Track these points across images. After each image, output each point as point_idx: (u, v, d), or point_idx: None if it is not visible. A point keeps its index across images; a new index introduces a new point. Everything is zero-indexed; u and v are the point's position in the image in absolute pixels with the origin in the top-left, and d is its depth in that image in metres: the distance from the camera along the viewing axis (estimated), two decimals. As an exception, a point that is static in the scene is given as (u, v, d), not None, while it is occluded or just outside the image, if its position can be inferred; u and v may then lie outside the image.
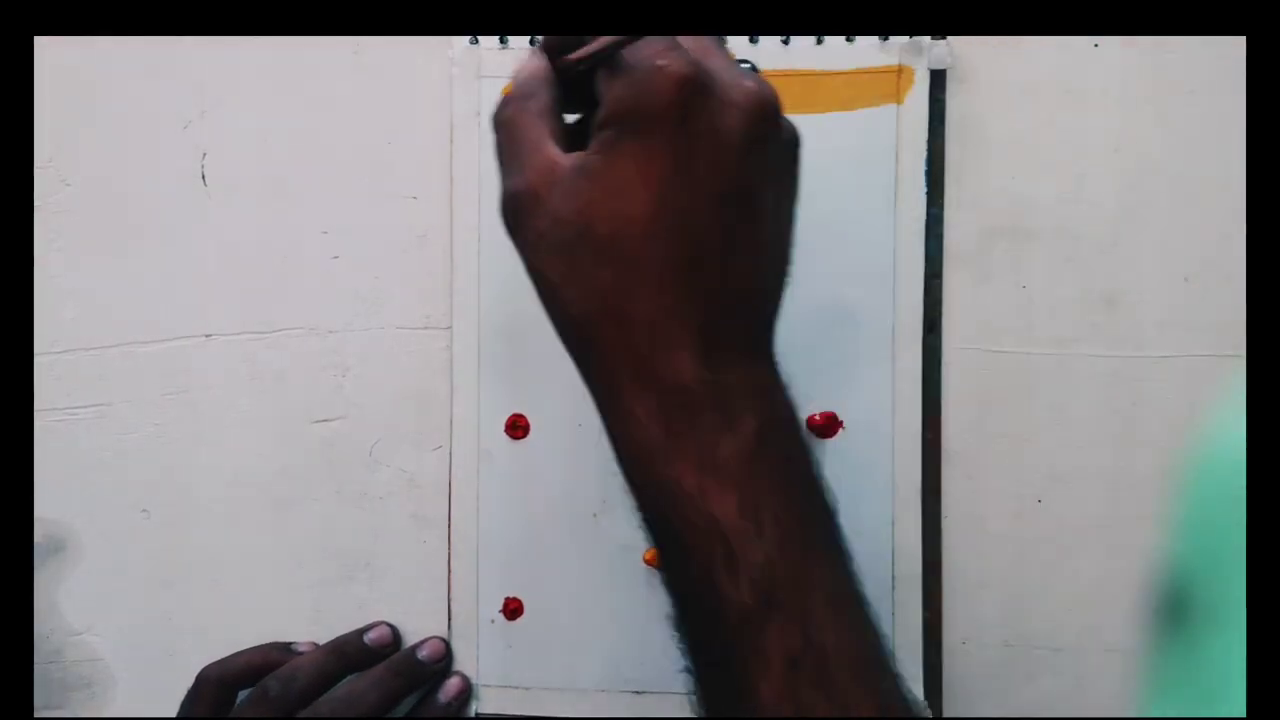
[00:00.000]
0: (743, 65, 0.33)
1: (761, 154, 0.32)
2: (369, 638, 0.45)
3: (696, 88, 0.31)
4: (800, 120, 0.43)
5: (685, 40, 0.32)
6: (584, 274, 0.32)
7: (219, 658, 0.45)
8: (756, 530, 0.30)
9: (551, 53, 0.35)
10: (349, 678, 0.44)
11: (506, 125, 0.34)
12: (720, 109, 0.31)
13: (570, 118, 0.35)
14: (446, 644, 0.45)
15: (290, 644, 0.45)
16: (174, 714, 0.45)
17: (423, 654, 0.44)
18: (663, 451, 0.31)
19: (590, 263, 0.31)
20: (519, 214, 0.33)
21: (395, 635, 0.45)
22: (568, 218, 0.31)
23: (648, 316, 0.31)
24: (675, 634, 0.33)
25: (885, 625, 0.43)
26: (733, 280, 0.32)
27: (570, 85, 0.34)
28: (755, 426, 0.31)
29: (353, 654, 0.44)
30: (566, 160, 0.32)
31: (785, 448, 0.32)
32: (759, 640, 0.30)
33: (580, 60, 0.33)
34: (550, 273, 0.32)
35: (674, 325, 0.31)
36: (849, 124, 0.43)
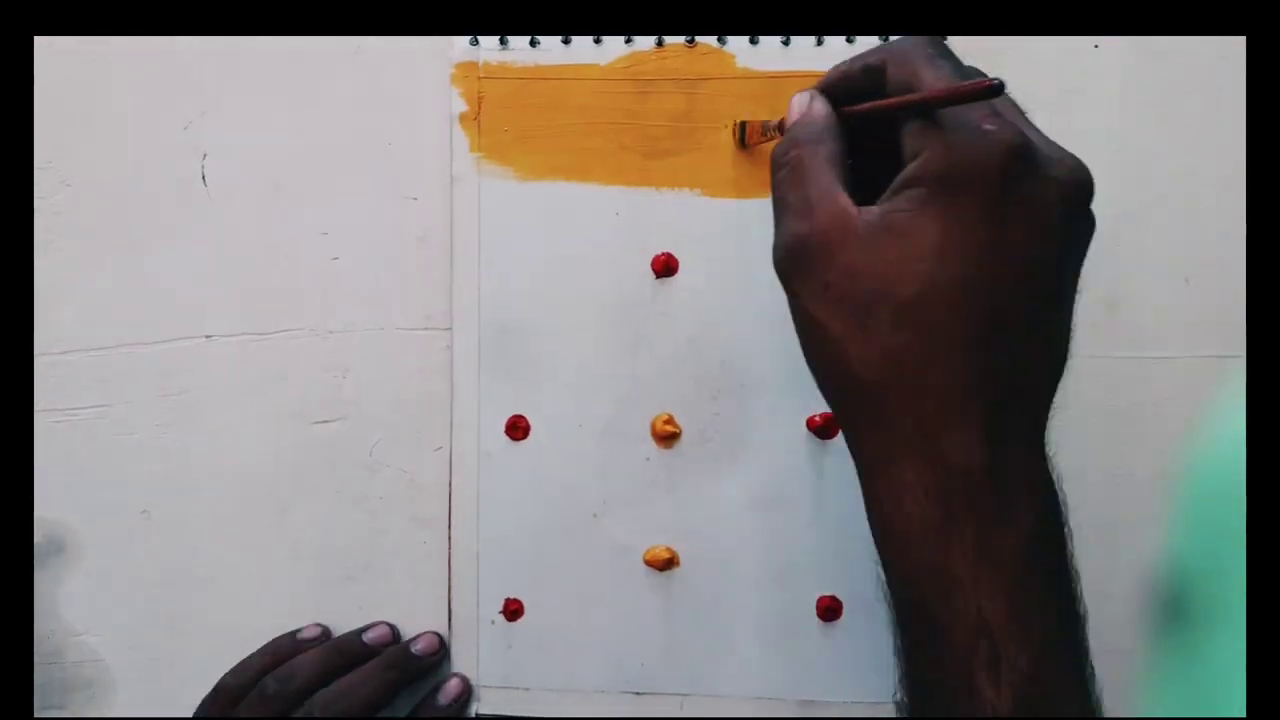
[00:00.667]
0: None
1: (1075, 234, 0.31)
2: (368, 637, 0.45)
3: (1023, 158, 0.29)
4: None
5: (1002, 106, 0.31)
6: (878, 334, 0.30)
7: (221, 659, 0.45)
8: (1025, 635, 0.29)
9: (835, 97, 0.34)
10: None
11: (794, 166, 0.33)
12: (1042, 182, 0.30)
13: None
14: (441, 639, 0.45)
15: (296, 631, 0.45)
16: (173, 714, 0.45)
17: (417, 648, 0.44)
18: (938, 533, 0.30)
19: (888, 324, 0.30)
20: (804, 260, 0.31)
21: (395, 635, 0.45)
22: (865, 272, 0.30)
23: (942, 386, 0.30)
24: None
25: (885, 625, 0.43)
26: (1029, 360, 0.31)
27: (856, 133, 0.33)
28: (1032, 522, 0.30)
29: (352, 652, 0.44)
30: (863, 212, 0.31)
31: (1057, 549, 0.31)
32: None
33: (876, 110, 0.32)
34: (834, 327, 0.31)
35: (968, 400, 0.30)
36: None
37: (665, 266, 0.44)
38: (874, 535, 0.32)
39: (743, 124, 0.43)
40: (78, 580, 0.46)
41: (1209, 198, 0.43)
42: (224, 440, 0.46)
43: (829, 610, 0.44)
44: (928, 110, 0.31)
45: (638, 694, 0.45)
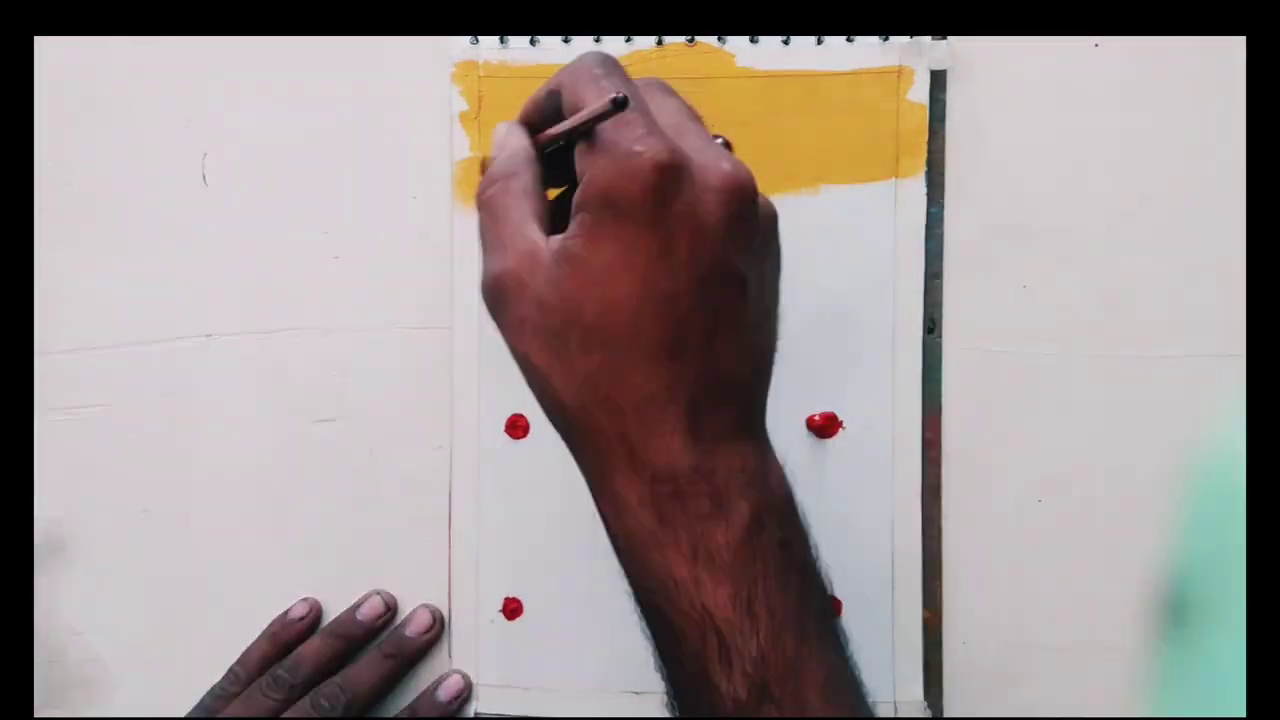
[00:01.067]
0: (716, 140, 0.33)
1: (740, 235, 0.31)
2: (360, 614, 0.45)
3: (673, 173, 0.30)
4: (801, 119, 0.43)
5: (663, 116, 0.32)
6: (571, 360, 0.31)
7: (221, 658, 0.45)
8: (750, 622, 0.30)
9: (531, 126, 0.35)
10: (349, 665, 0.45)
11: (489, 206, 0.34)
12: (698, 193, 0.31)
13: (554, 191, 0.35)
14: (432, 612, 0.45)
15: (285, 613, 0.45)
16: (173, 714, 0.45)
17: (409, 630, 0.45)
18: (655, 540, 0.31)
19: (578, 348, 0.31)
20: (501, 297, 0.33)
21: (388, 603, 0.45)
22: (553, 304, 0.31)
23: (636, 401, 0.31)
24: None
25: (885, 625, 0.43)
26: (720, 362, 0.31)
27: (551, 160, 0.34)
28: (748, 513, 0.31)
29: (351, 634, 0.45)
30: (550, 243, 0.32)
31: (780, 533, 0.32)
32: None
33: (556, 138, 0.33)
34: (537, 359, 0.32)
35: (663, 409, 0.31)
36: (849, 124, 0.43)
37: (665, 266, 0.44)
38: (613, 551, 0.33)
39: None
40: (78, 579, 0.46)
41: (1209, 198, 0.43)
42: (224, 440, 0.46)
43: (829, 610, 0.44)
44: (587, 134, 0.31)
45: (637, 693, 0.45)
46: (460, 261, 0.44)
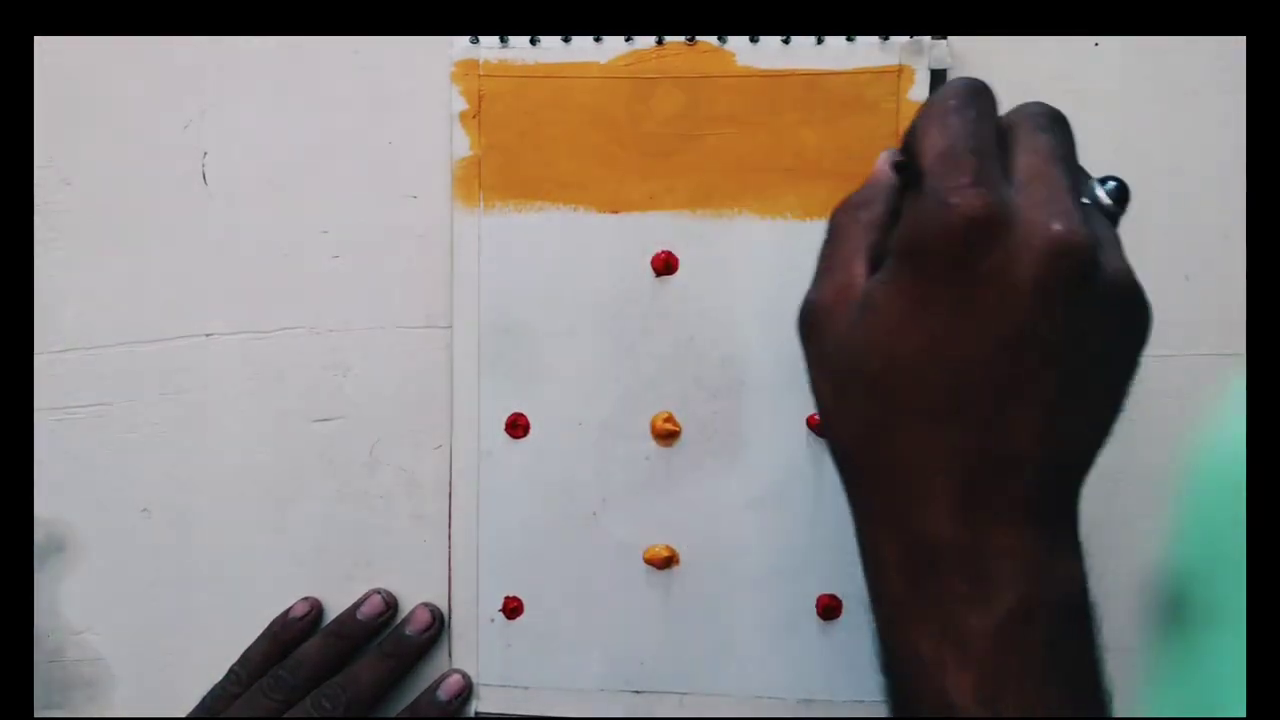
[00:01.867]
0: (1107, 185, 0.31)
1: (1059, 301, 0.29)
2: (361, 614, 0.45)
3: (986, 229, 0.28)
4: (799, 122, 0.43)
5: (1023, 158, 0.30)
6: (852, 405, 0.30)
7: (221, 657, 0.45)
8: (993, 716, 0.28)
9: (897, 164, 0.34)
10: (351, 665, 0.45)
11: (832, 230, 0.33)
12: (1014, 252, 0.28)
13: None
14: (432, 610, 0.45)
15: (286, 611, 0.45)
16: (173, 713, 0.45)
17: (409, 629, 0.45)
18: (904, 608, 0.30)
19: (860, 395, 0.30)
20: (808, 328, 0.32)
21: (388, 601, 0.45)
22: (846, 346, 0.30)
23: (906, 461, 0.30)
24: None
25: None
26: (1009, 437, 0.29)
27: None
28: (1014, 602, 0.28)
29: (352, 633, 0.45)
30: (864, 283, 0.31)
31: (1052, 634, 0.29)
32: None
33: (902, 172, 0.32)
34: (823, 397, 0.31)
35: (933, 475, 0.29)
36: (849, 123, 0.43)
37: (665, 265, 0.44)
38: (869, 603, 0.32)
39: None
40: (78, 579, 0.46)
41: (1209, 198, 0.43)
42: (224, 439, 0.46)
43: (829, 609, 0.44)
44: (918, 177, 0.30)
45: (637, 692, 0.45)
46: (460, 261, 0.44)
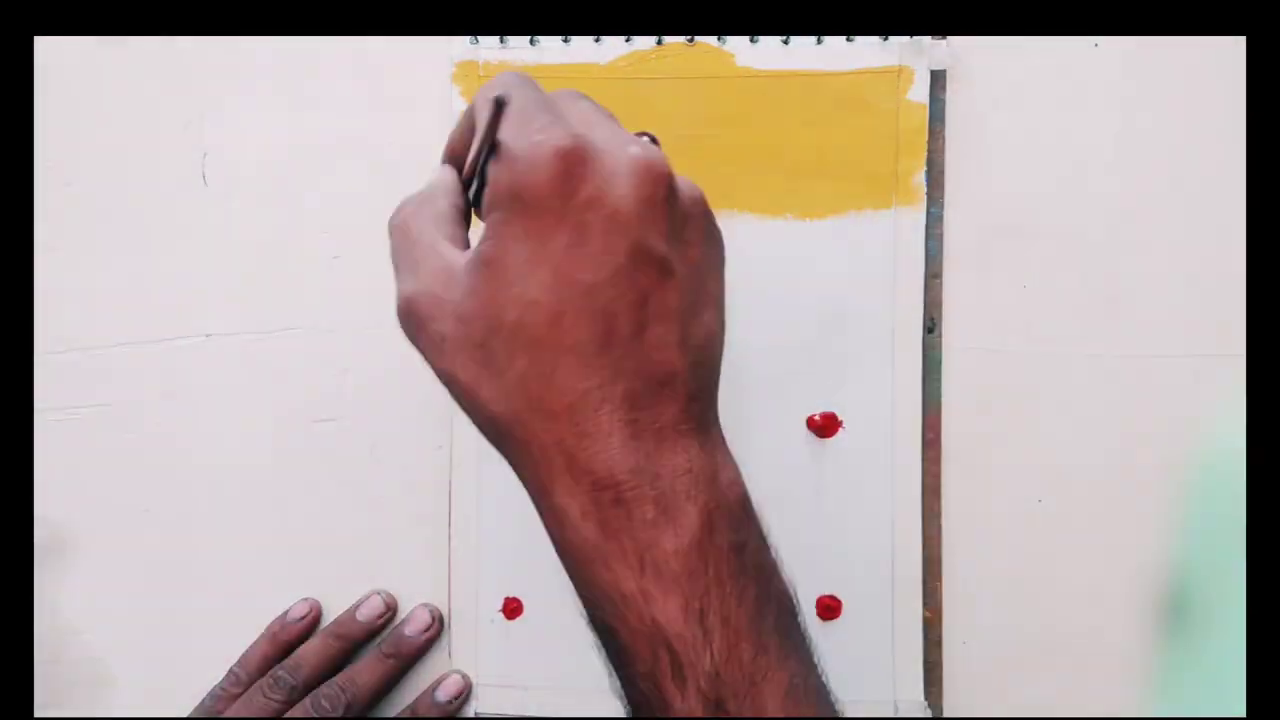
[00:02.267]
0: (641, 137, 0.32)
1: (657, 218, 0.30)
2: (360, 614, 0.45)
3: (577, 158, 0.29)
4: (799, 122, 0.43)
5: (572, 115, 0.31)
6: (498, 368, 0.30)
7: (221, 657, 0.45)
8: (704, 635, 0.29)
9: (454, 163, 0.34)
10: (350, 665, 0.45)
11: (399, 230, 0.33)
12: (606, 178, 0.29)
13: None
14: (431, 611, 0.45)
15: (287, 611, 0.45)
16: (173, 713, 0.45)
17: (408, 629, 0.45)
18: (599, 553, 0.30)
19: (503, 354, 0.30)
20: (416, 319, 0.31)
21: (388, 602, 0.45)
22: (472, 313, 0.30)
23: (569, 402, 0.29)
24: None
25: (885, 625, 0.43)
26: (653, 354, 0.30)
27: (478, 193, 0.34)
28: (698, 517, 0.29)
29: (351, 634, 0.45)
30: (462, 257, 0.31)
31: (734, 537, 0.30)
32: None
33: (473, 167, 0.32)
34: (462, 374, 0.31)
35: (597, 409, 0.29)
36: (849, 123, 0.43)
37: (665, 266, 0.44)
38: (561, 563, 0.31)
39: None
40: (78, 579, 0.46)
41: (1209, 198, 0.43)
42: (224, 439, 0.46)
43: (828, 609, 0.44)
44: (492, 148, 0.31)
45: (638, 693, 0.45)
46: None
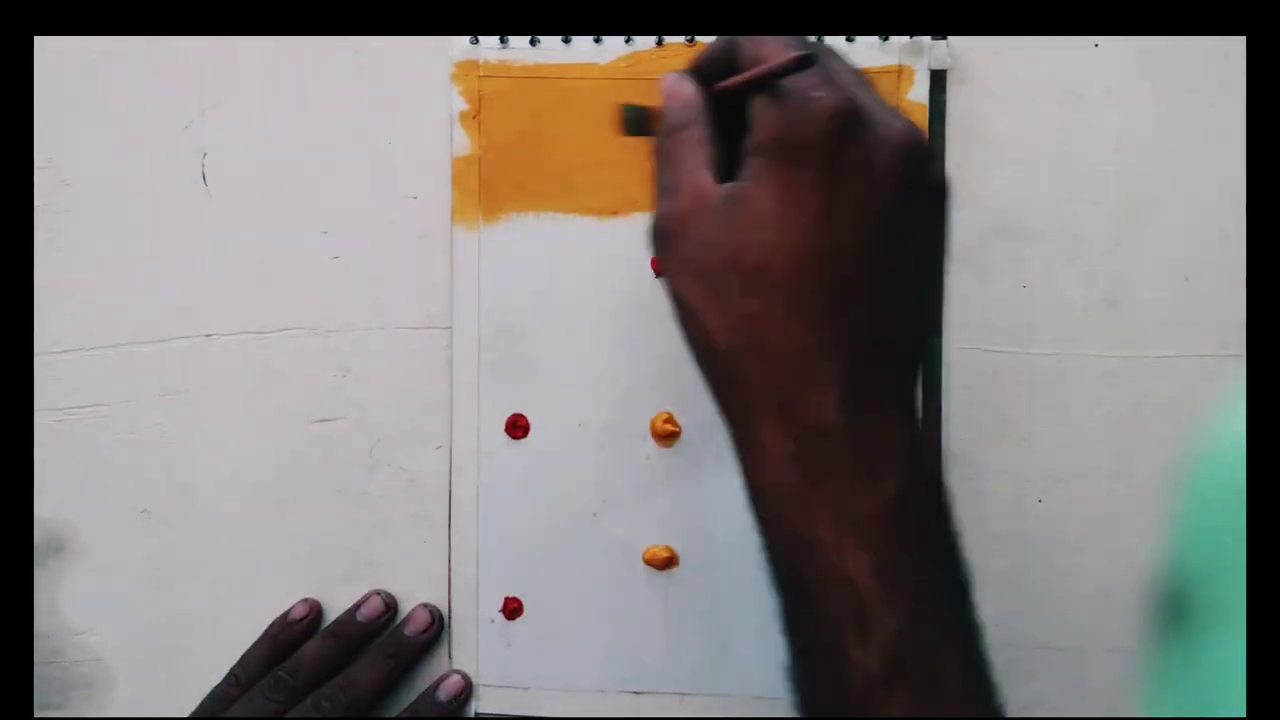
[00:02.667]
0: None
1: (913, 196, 0.31)
2: (360, 614, 0.45)
3: (850, 121, 0.30)
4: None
5: (839, 76, 0.32)
6: (729, 303, 0.31)
7: (221, 658, 0.45)
8: (891, 595, 0.29)
9: (702, 76, 0.35)
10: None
11: (664, 155, 0.34)
12: (873, 145, 0.31)
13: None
14: (431, 611, 0.45)
15: (286, 613, 0.45)
16: (173, 714, 0.45)
17: (408, 630, 0.45)
18: (799, 497, 0.30)
19: (737, 291, 0.31)
20: (666, 238, 0.33)
21: (388, 603, 0.45)
22: (717, 244, 0.31)
23: (793, 350, 0.30)
24: (791, 688, 0.32)
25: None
26: (881, 322, 0.31)
27: (724, 112, 0.34)
28: (897, 487, 0.30)
29: (351, 634, 0.45)
30: (719, 189, 0.32)
31: (926, 513, 0.31)
32: (885, 708, 0.29)
33: (732, 89, 0.33)
34: (694, 299, 0.32)
35: (820, 362, 0.30)
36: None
37: (665, 266, 0.44)
38: (748, 501, 0.32)
39: (630, 110, 0.41)
40: (77, 579, 0.46)
41: (1209, 198, 0.43)
42: (224, 440, 0.46)
43: (829, 610, 0.44)
44: (768, 85, 0.32)
45: (637, 693, 0.45)
46: (460, 262, 0.44)
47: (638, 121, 0.40)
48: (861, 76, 0.34)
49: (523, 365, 0.44)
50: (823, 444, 0.30)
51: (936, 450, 0.43)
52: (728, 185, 0.32)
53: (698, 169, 0.33)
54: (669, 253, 0.33)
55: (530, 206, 0.44)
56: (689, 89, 0.35)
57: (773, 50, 0.32)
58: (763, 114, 0.31)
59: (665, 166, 0.34)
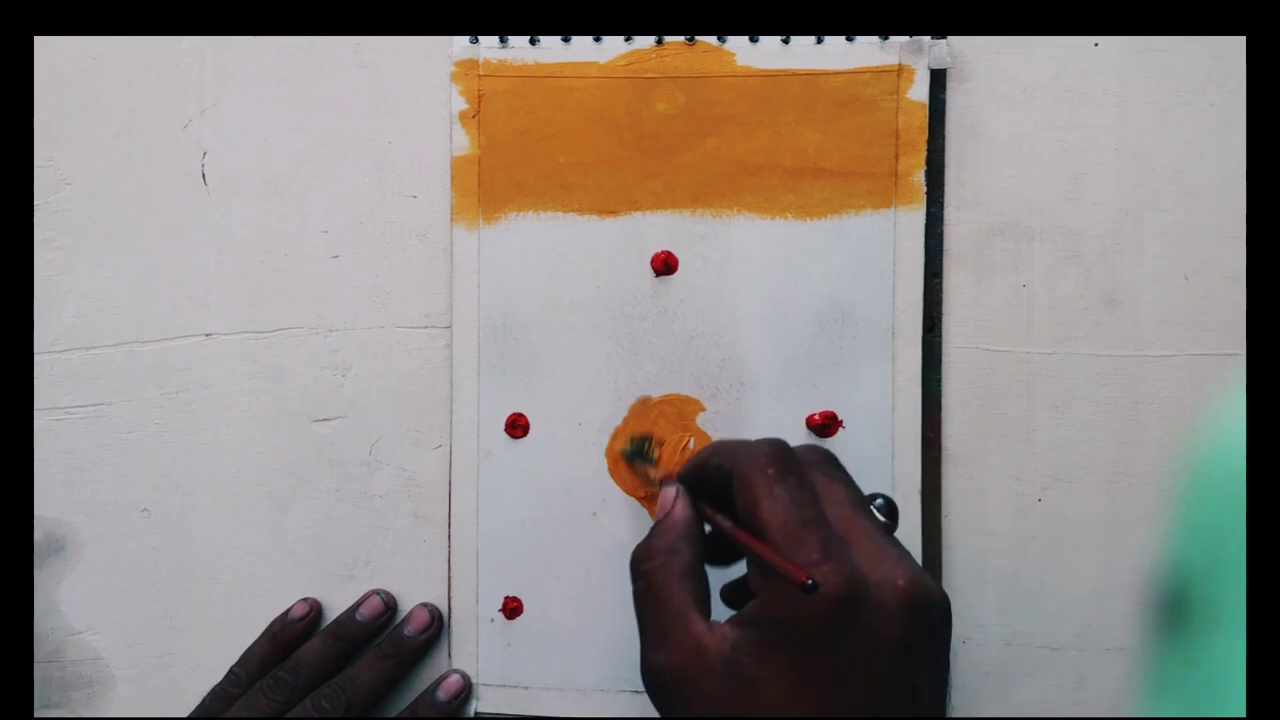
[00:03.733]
0: (876, 502, 0.34)
1: (917, 649, 0.32)
2: (360, 614, 0.45)
3: (851, 604, 0.31)
4: (799, 121, 0.43)
5: (831, 507, 0.32)
6: None
7: (221, 657, 0.45)
8: None
9: (691, 487, 0.35)
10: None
11: (647, 581, 0.34)
12: (874, 618, 0.31)
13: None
14: (430, 611, 0.45)
15: (285, 613, 0.45)
16: (173, 713, 0.45)
17: (408, 629, 0.45)
18: None
19: None
20: (665, 692, 0.33)
21: (387, 602, 0.45)
22: (722, 707, 0.32)
23: None
24: None
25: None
26: None
27: (715, 534, 0.35)
28: None
29: (351, 634, 0.45)
30: (714, 644, 0.32)
31: None
32: None
33: (724, 533, 0.34)
34: None
35: None
36: (849, 123, 0.43)
37: (665, 265, 0.44)
38: None
39: (635, 442, 0.44)
40: (77, 578, 0.46)
41: (1209, 197, 0.43)
42: (224, 439, 0.46)
43: (829, 610, 0.44)
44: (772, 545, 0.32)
45: (637, 693, 0.45)
46: (460, 261, 0.44)
47: (639, 451, 0.42)
48: (855, 496, 0.34)
49: (522, 365, 0.44)
50: None
51: (936, 450, 0.43)
52: (725, 645, 0.32)
53: (685, 610, 0.33)
54: (667, 704, 0.33)
55: (530, 206, 0.44)
56: (681, 509, 0.35)
57: (764, 496, 0.32)
58: (763, 586, 0.32)
59: (649, 602, 0.34)
